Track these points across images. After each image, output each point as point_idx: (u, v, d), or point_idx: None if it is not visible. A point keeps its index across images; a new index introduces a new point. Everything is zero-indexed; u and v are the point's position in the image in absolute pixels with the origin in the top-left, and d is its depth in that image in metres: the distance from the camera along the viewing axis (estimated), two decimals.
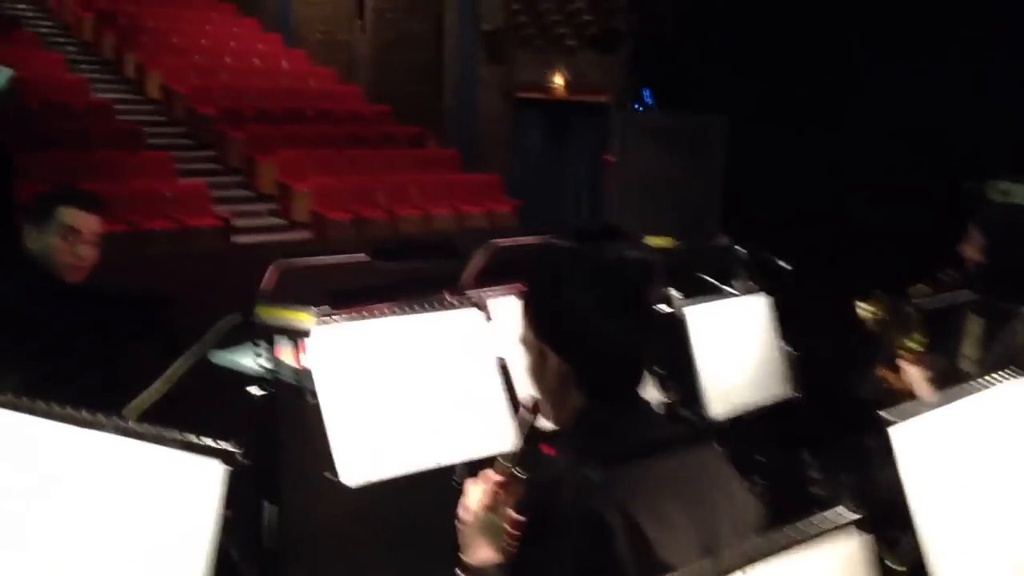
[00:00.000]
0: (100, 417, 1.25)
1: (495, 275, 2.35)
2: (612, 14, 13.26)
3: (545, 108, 14.50)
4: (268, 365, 2.10)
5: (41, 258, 2.72)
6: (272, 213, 12.61)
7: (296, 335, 1.91)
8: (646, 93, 11.88)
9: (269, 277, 1.90)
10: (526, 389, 2.37)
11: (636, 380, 1.62)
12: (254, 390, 2.17)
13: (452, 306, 2.23)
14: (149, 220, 10.63)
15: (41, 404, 1.25)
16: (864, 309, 2.86)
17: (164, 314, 5.01)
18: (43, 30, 15.89)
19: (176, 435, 1.22)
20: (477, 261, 2.17)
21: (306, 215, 12.24)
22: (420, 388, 2.16)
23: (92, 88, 13.87)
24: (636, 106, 12.26)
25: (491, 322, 2.30)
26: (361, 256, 1.98)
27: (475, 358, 2.26)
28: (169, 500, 1.19)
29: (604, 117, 13.78)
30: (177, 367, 2.07)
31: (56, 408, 1.25)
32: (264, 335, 1.92)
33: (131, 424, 1.24)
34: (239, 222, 11.61)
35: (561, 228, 2.38)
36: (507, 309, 2.37)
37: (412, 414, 2.12)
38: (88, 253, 2.75)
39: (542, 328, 1.61)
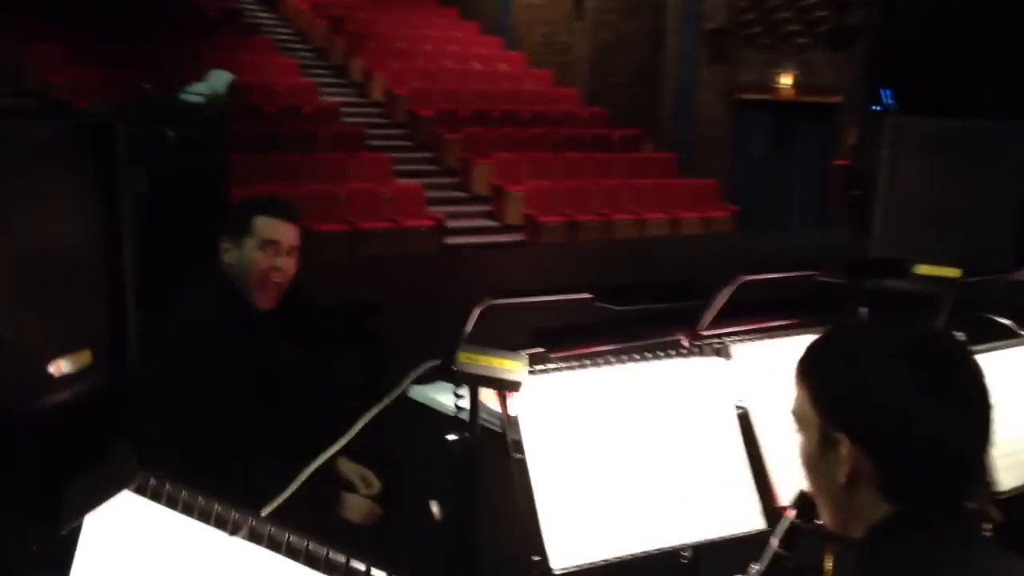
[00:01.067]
0: (238, 517, 0.97)
1: (741, 311, 1.93)
2: (848, 8, 12.32)
3: (770, 110, 13.71)
4: (468, 407, 1.79)
5: (239, 273, 2.52)
6: (485, 215, 12.61)
7: (503, 386, 1.58)
8: (886, 94, 10.92)
9: (473, 318, 1.57)
10: (778, 458, 1.96)
11: (964, 484, 1.18)
12: (452, 436, 1.87)
13: (687, 352, 1.84)
14: (366, 220, 10.84)
15: (183, 495, 0.98)
16: None
17: (370, 323, 4.92)
18: (280, 37, 16.73)
19: (322, 551, 0.91)
20: (721, 299, 1.76)
21: (519, 217, 12.14)
22: (646, 451, 1.78)
23: (320, 92, 14.41)
24: (873, 108, 11.31)
25: (734, 372, 1.89)
26: (582, 296, 1.62)
27: (714, 416, 1.86)
28: None
29: (834, 119, 12.85)
30: (370, 415, 1.80)
31: (197, 501, 0.98)
32: (465, 383, 1.60)
33: (271, 530, 0.95)
34: (452, 223, 11.65)
35: (829, 261, 1.92)
36: (755, 356, 1.94)
37: (636, 483, 1.75)
38: (287, 265, 2.53)
39: (836, 409, 1.20)
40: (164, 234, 3.62)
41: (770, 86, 13.41)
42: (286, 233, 2.54)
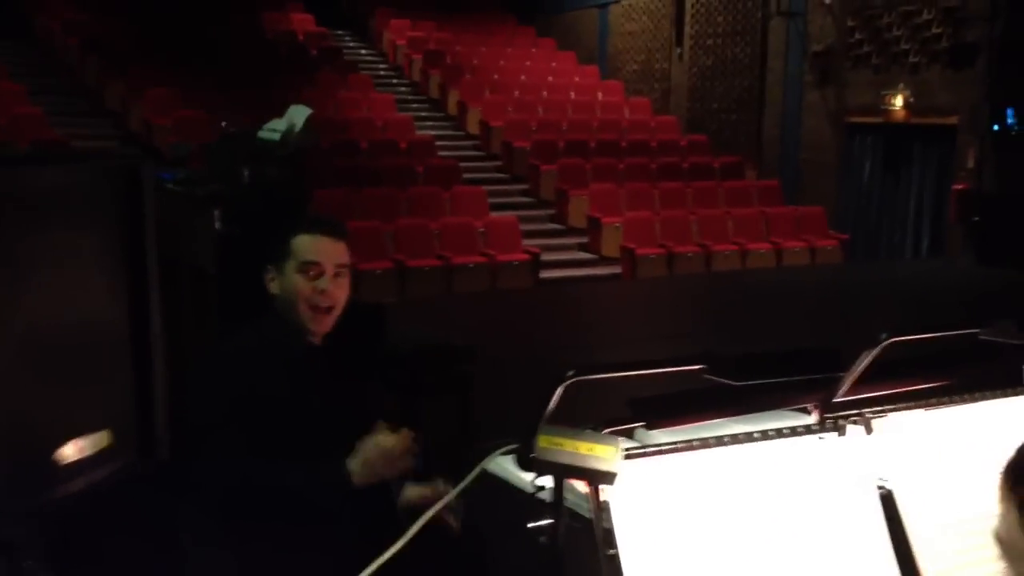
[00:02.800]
0: None
1: (881, 372, 1.59)
2: (966, 24, 11.63)
3: (880, 133, 13.04)
4: (552, 488, 1.50)
5: (285, 304, 2.25)
6: (581, 247, 12.32)
7: (592, 478, 1.28)
8: (1009, 112, 10.22)
9: (556, 397, 1.29)
10: (933, 557, 1.61)
11: None
12: (533, 524, 1.58)
13: (818, 428, 1.51)
14: (460, 254, 10.68)
15: None
16: None
17: (463, 367, 4.69)
18: (379, 72, 16.88)
19: None
20: (861, 365, 1.43)
21: (616, 250, 11.80)
22: (766, 549, 1.46)
23: (417, 126, 14.42)
24: (996, 128, 10.61)
25: (876, 450, 1.55)
26: (693, 367, 1.31)
27: (852, 506, 1.52)
28: None
29: (952, 141, 12.14)
30: (444, 503, 1.53)
31: None
32: (548, 473, 1.31)
33: None
34: (548, 256, 11.40)
35: (1001, 321, 1.56)
36: (902, 429, 1.60)
37: None
38: (333, 289, 2.22)
39: None
40: (238, 275, 3.46)
41: (881, 108, 12.75)
42: (327, 251, 2.24)
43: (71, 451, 1.27)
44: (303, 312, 2.22)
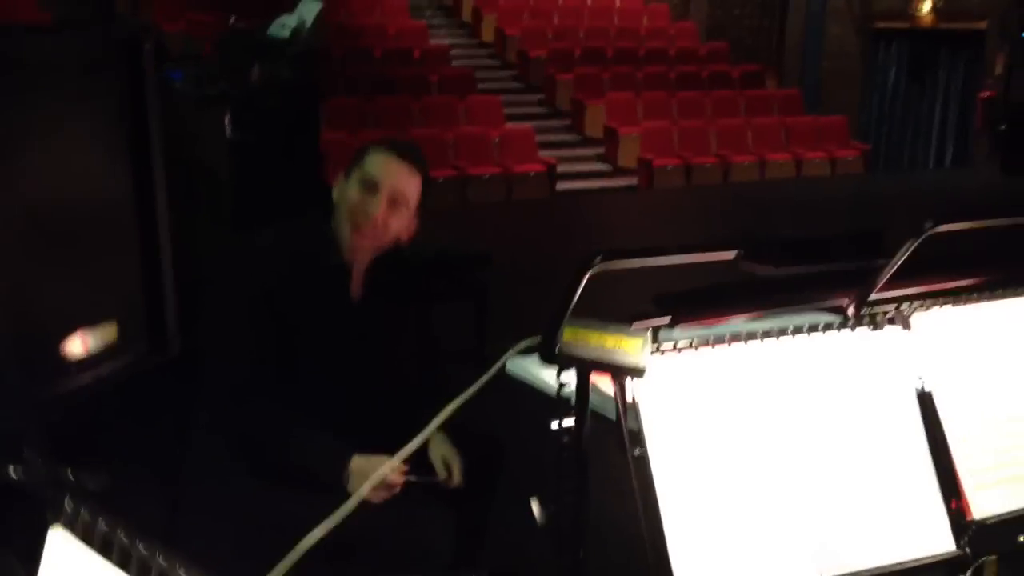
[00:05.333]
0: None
1: (916, 269, 1.52)
2: None
3: (907, 39, 12.68)
4: (575, 392, 1.45)
5: (338, 213, 2.18)
6: (598, 158, 12.13)
7: (620, 372, 1.23)
8: None
9: (580, 284, 1.22)
10: (971, 456, 1.56)
11: None
12: (556, 424, 1.54)
13: (854, 323, 1.45)
14: (475, 165, 10.54)
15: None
16: None
17: (478, 276, 4.63)
18: None
19: None
20: (903, 255, 1.36)
21: (633, 161, 11.63)
22: (800, 450, 1.41)
23: (431, 33, 14.10)
24: None
25: (914, 347, 1.49)
26: (725, 255, 1.24)
27: (888, 405, 1.46)
28: None
29: (980, 48, 11.80)
30: (460, 400, 1.48)
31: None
32: (573, 367, 1.25)
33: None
34: (564, 168, 11.24)
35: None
36: (940, 326, 1.54)
37: (786, 491, 1.39)
38: (382, 216, 2.12)
39: None
40: (251, 180, 3.39)
41: (907, 13, 12.37)
42: (392, 173, 2.13)
43: (77, 347, 1.21)
44: (345, 223, 2.15)
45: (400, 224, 2.19)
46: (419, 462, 2.07)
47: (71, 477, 0.86)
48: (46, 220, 1.06)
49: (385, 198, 2.14)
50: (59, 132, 1.06)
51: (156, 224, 1.23)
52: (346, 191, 2.18)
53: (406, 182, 2.17)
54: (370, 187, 2.14)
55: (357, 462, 2.03)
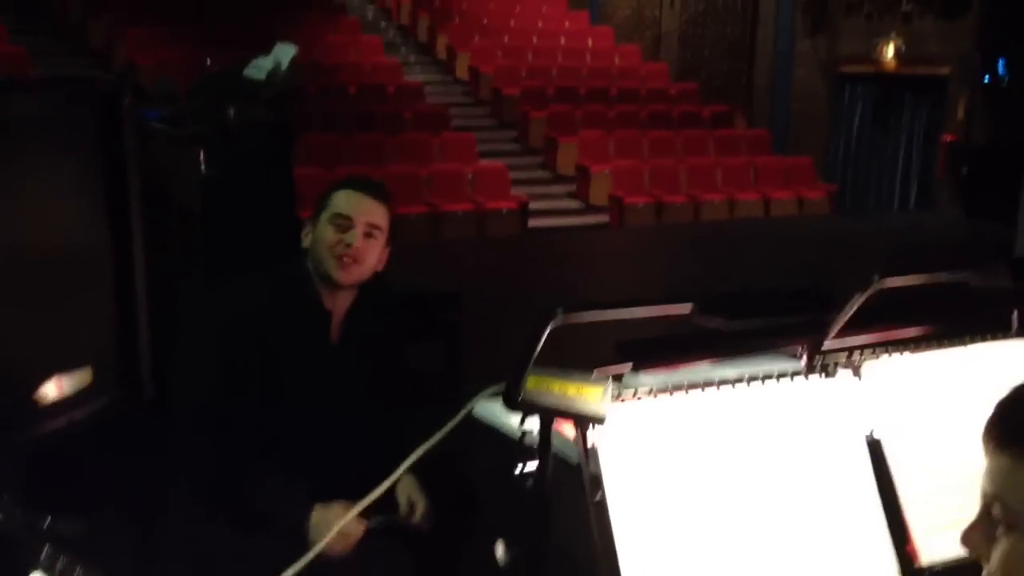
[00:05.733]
0: None
1: (868, 317, 1.59)
2: None
3: (872, 83, 12.96)
4: (538, 434, 1.49)
5: (313, 256, 2.25)
6: (570, 195, 12.26)
7: (581, 420, 1.28)
8: (1001, 63, 10.16)
9: (542, 336, 1.27)
10: (919, 504, 1.62)
11: None
12: (520, 469, 1.58)
13: (807, 371, 1.51)
14: (448, 201, 10.61)
15: None
16: None
17: (448, 314, 4.67)
18: (368, 16, 16.59)
19: None
20: (853, 306, 1.42)
21: (604, 198, 11.75)
22: (754, 494, 1.46)
23: (406, 71, 14.22)
24: (987, 79, 10.57)
25: (865, 394, 1.55)
26: (681, 308, 1.30)
27: (839, 451, 1.52)
28: None
29: (942, 92, 12.08)
30: (426, 446, 1.51)
31: None
32: (535, 414, 1.30)
33: None
34: (536, 205, 11.34)
35: (991, 266, 1.55)
36: (891, 374, 1.60)
37: (741, 533, 1.44)
38: (361, 245, 2.21)
39: None
40: (224, 219, 3.42)
41: (872, 58, 12.66)
42: (360, 207, 2.23)
43: (51, 391, 1.24)
44: (326, 260, 2.22)
45: (377, 255, 2.28)
46: (384, 500, 2.10)
47: (47, 525, 0.89)
48: (21, 266, 1.10)
49: (361, 231, 2.23)
50: (37, 181, 1.10)
51: (132, 270, 1.27)
52: (318, 233, 2.25)
53: (377, 213, 2.27)
54: (344, 224, 2.22)
55: (318, 513, 2.06)
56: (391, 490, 2.19)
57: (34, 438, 1.22)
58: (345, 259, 2.21)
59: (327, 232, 2.23)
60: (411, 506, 2.22)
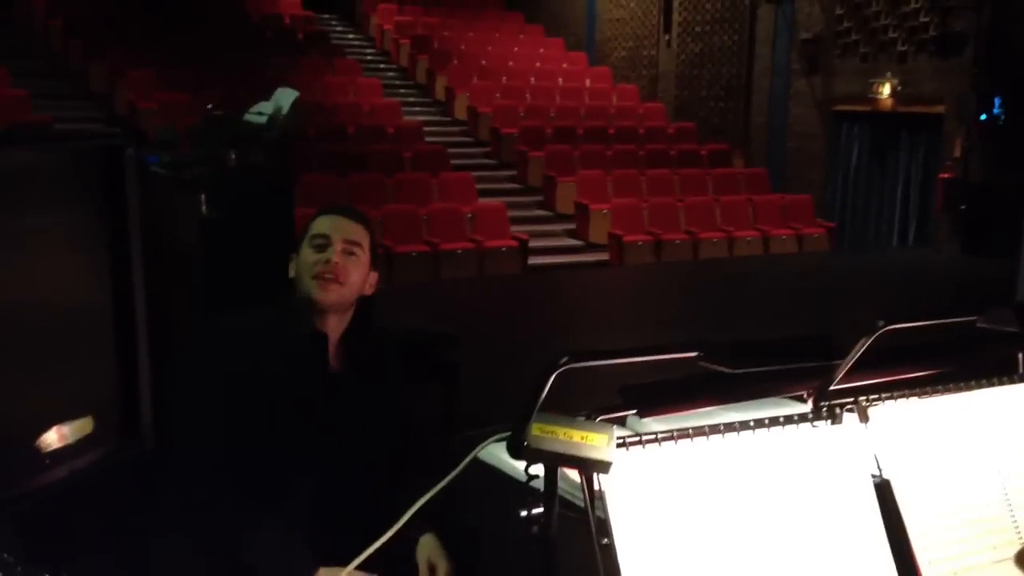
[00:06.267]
0: None
1: (875, 361, 1.58)
2: (954, 13, 11.64)
3: (868, 121, 13.06)
4: (544, 483, 1.47)
5: (298, 285, 2.25)
6: (569, 234, 12.30)
7: (587, 466, 1.26)
8: (996, 102, 10.24)
9: (547, 384, 1.26)
10: (929, 548, 1.60)
11: None
12: (526, 512, 1.56)
13: (813, 416, 1.50)
14: (448, 240, 10.64)
15: None
16: None
17: (446, 355, 4.66)
18: (367, 57, 16.77)
19: None
20: (855, 352, 1.42)
21: (603, 236, 11.79)
22: (761, 540, 1.44)
23: (405, 111, 14.33)
24: (982, 117, 10.64)
25: (872, 439, 1.53)
26: (686, 354, 1.29)
27: (848, 496, 1.50)
28: None
29: (939, 130, 12.17)
30: (432, 492, 1.50)
31: None
32: (540, 462, 1.29)
33: None
34: (536, 243, 11.37)
35: (995, 306, 1.55)
36: (898, 419, 1.59)
37: None
38: (339, 261, 2.21)
39: None
40: (225, 260, 3.42)
41: (868, 97, 12.77)
42: (336, 226, 2.25)
43: (53, 439, 1.23)
44: (308, 282, 2.21)
45: (360, 275, 2.27)
46: (400, 558, 2.07)
47: None
48: (22, 321, 1.09)
49: (339, 248, 2.23)
50: (38, 235, 1.10)
51: (134, 323, 1.27)
52: (300, 259, 2.27)
53: (354, 231, 2.27)
54: (322, 243, 2.24)
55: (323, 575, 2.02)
56: (405, 549, 2.17)
57: (35, 489, 1.21)
58: (326, 276, 2.20)
59: (307, 254, 2.24)
60: (432, 571, 2.17)
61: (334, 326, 2.27)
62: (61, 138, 1.39)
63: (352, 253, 2.25)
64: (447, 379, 4.15)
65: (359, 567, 1.79)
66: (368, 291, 2.32)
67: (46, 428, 1.21)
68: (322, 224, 2.27)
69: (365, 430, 2.30)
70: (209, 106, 4.13)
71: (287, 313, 2.28)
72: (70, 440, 1.26)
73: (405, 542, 2.00)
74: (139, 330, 1.25)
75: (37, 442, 1.21)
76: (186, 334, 2.79)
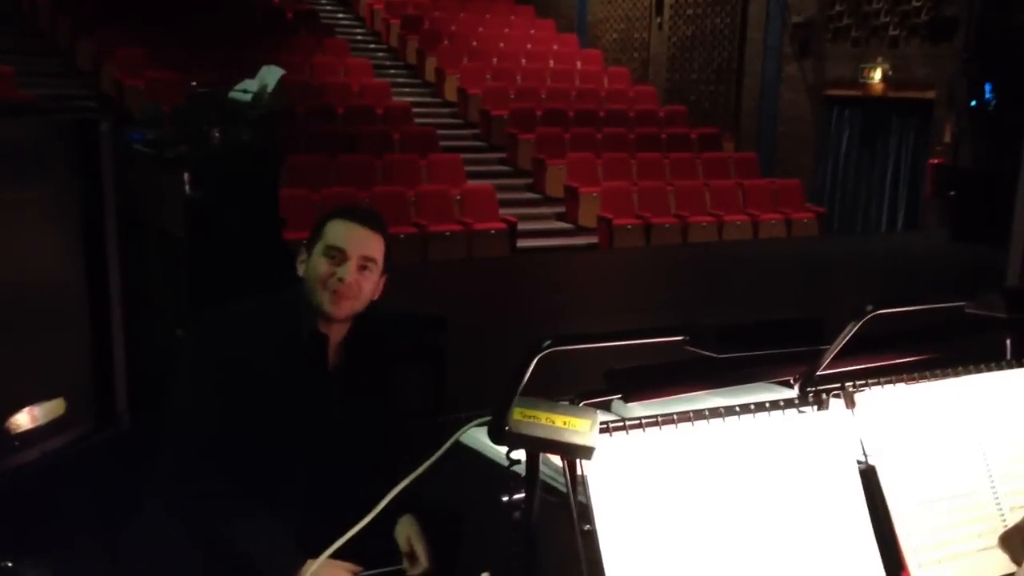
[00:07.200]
0: None
1: (861, 346, 1.56)
2: None
3: (858, 106, 13.04)
4: (526, 467, 1.45)
5: (307, 286, 2.20)
6: (558, 217, 12.27)
7: (569, 452, 1.24)
8: (987, 88, 10.23)
9: (530, 367, 1.24)
10: (913, 534, 1.59)
11: None
12: (508, 497, 1.54)
13: (799, 401, 1.48)
14: (436, 222, 10.60)
15: None
16: None
17: (434, 337, 4.64)
18: (356, 37, 16.65)
19: None
20: (844, 337, 1.40)
21: (593, 220, 11.77)
22: (746, 526, 1.43)
23: (394, 92, 14.25)
24: (973, 103, 10.64)
25: (859, 425, 1.52)
26: (673, 339, 1.27)
27: (833, 482, 1.49)
28: None
29: (929, 116, 12.16)
30: (413, 476, 1.48)
31: None
32: (522, 447, 1.27)
33: None
34: (524, 226, 11.34)
35: (984, 292, 1.53)
36: (884, 404, 1.57)
37: (732, 567, 1.40)
38: (354, 280, 2.14)
39: None
40: (209, 241, 3.38)
41: (859, 81, 12.75)
42: (356, 239, 2.17)
43: (24, 420, 1.21)
44: (319, 293, 2.16)
45: (372, 285, 2.22)
46: (381, 543, 2.06)
47: (14, 569, 0.84)
48: None
49: (354, 264, 2.17)
50: (10, 213, 1.07)
51: (108, 300, 1.23)
52: (312, 264, 2.20)
53: (371, 245, 2.20)
54: (337, 256, 2.17)
55: (309, 567, 2.00)
56: (387, 535, 2.16)
57: (5, 470, 1.18)
58: (339, 292, 2.16)
59: (320, 264, 2.17)
60: (411, 552, 2.16)
61: (338, 330, 2.24)
62: (33, 111, 1.35)
63: (367, 268, 2.19)
64: (435, 361, 4.12)
65: (341, 553, 1.78)
66: (375, 296, 2.26)
67: (17, 409, 1.19)
68: (339, 234, 2.18)
69: (359, 425, 2.28)
70: (193, 83, 4.08)
71: (290, 306, 2.23)
72: (41, 421, 1.23)
73: (385, 524, 1.98)
74: (114, 310, 1.22)
75: (7, 423, 1.18)
76: (184, 318, 2.76)
